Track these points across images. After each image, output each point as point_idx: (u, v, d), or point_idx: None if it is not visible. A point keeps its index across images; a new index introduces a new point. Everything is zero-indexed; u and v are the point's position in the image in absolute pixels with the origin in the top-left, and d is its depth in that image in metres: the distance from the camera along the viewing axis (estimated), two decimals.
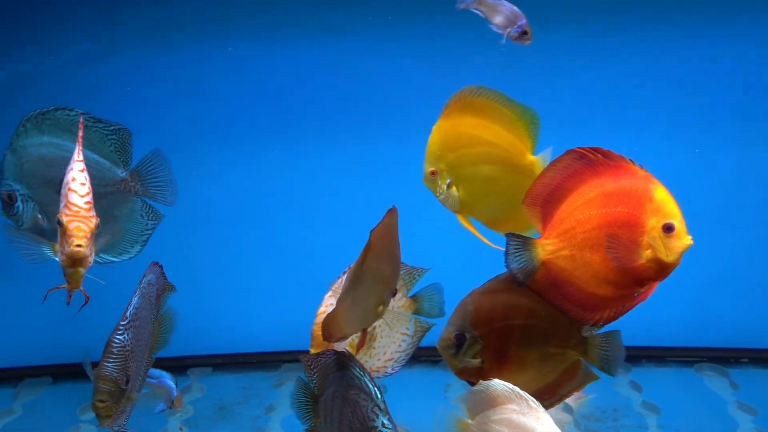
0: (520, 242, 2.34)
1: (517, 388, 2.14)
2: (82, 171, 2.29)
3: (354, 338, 3.03)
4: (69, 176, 2.28)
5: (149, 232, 2.87)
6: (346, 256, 2.46)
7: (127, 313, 2.44)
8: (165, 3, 3.52)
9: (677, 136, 3.72)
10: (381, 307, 2.35)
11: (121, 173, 2.79)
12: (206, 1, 3.53)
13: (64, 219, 2.23)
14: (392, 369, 2.89)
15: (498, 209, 2.77)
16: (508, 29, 2.66)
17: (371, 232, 2.18)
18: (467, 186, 2.74)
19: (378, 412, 2.11)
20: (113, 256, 2.94)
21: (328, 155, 3.76)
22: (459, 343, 2.38)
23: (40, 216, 2.80)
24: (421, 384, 3.68)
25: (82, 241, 2.23)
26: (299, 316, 3.89)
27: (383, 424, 2.08)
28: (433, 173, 2.74)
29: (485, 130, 2.69)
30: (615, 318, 2.34)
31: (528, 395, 2.20)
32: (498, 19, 2.66)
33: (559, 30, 3.51)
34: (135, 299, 2.48)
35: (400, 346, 2.88)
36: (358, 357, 3.05)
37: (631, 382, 3.72)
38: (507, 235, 2.37)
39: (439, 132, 2.71)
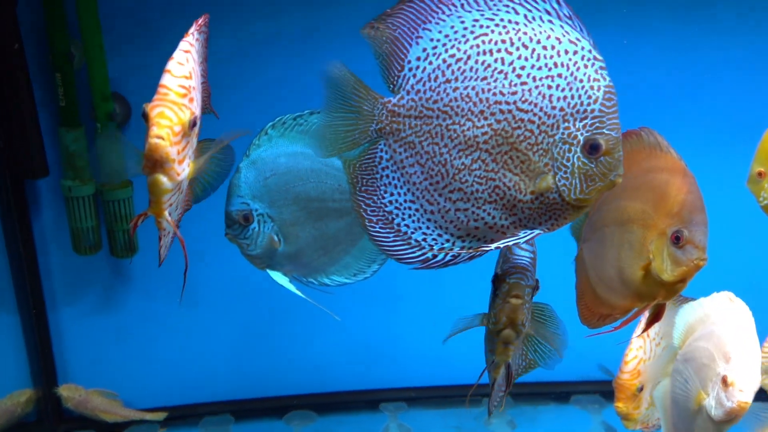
0: None
1: None
2: (186, 51, 1.72)
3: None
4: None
5: None
6: None
7: None
8: None
9: None
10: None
11: None
12: None
13: (148, 107, 1.64)
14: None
15: None
16: None
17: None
18: None
19: None
20: (347, 278, 2.52)
21: None
22: None
23: (276, 238, 2.37)
24: None
25: (163, 131, 1.62)
26: None
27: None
28: (760, 174, 2.30)
29: None
30: None
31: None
32: None
33: None
34: None
35: None
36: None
37: None
38: None
39: None
